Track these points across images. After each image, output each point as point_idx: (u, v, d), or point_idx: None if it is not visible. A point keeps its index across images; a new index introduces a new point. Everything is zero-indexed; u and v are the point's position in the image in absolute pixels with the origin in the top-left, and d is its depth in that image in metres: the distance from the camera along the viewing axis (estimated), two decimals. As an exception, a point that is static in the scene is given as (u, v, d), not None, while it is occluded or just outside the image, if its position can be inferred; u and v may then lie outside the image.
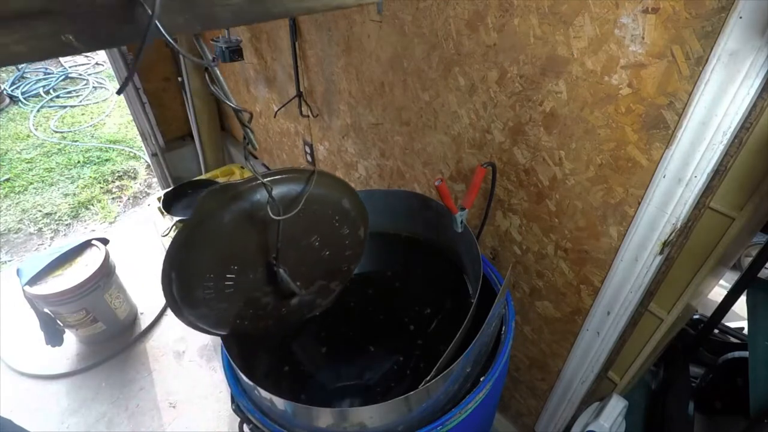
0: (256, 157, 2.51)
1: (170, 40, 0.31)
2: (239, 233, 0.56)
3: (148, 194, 2.97)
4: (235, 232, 0.56)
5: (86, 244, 1.78)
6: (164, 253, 0.55)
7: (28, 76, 4.81)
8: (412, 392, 0.55)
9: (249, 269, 0.61)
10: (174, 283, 0.57)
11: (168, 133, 2.74)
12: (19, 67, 4.95)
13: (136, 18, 0.28)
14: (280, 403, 0.59)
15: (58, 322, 1.68)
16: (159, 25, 0.28)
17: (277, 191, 0.52)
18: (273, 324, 0.66)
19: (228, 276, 0.60)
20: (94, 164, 3.29)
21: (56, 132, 3.81)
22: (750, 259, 1.04)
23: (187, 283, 0.58)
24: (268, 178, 0.50)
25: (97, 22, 0.30)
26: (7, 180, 3.18)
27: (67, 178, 3.18)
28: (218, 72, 0.39)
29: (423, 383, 0.57)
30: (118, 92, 0.34)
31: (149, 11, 0.28)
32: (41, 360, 1.80)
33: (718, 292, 1.38)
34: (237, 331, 0.64)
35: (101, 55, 5.13)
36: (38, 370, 1.78)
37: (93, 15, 0.29)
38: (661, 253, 0.73)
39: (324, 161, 1.69)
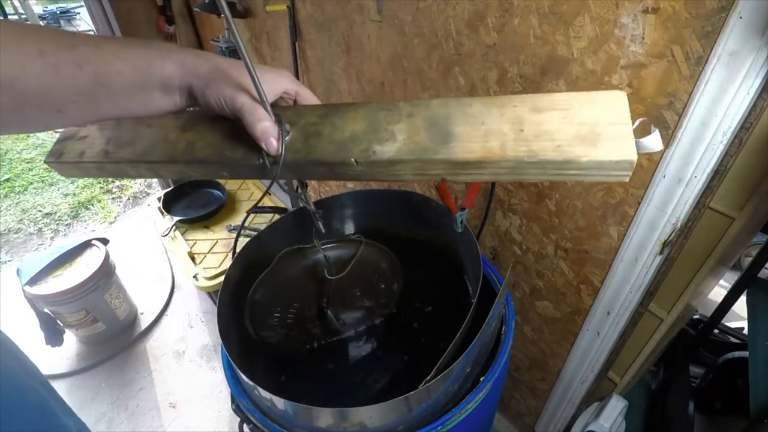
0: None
1: (282, 186, 0.56)
2: (303, 282, 0.80)
3: (148, 194, 2.98)
4: (300, 281, 0.81)
5: (86, 244, 1.78)
6: (251, 289, 0.79)
7: (28, 76, 4.82)
8: (412, 392, 0.55)
9: (306, 308, 0.83)
10: (253, 310, 0.79)
11: (168, 133, 2.74)
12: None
13: (265, 172, 0.48)
14: (280, 403, 0.59)
15: (58, 322, 1.69)
16: (278, 181, 0.49)
17: (332, 254, 0.73)
18: (316, 347, 0.81)
19: (291, 311, 0.82)
20: (94, 164, 3.29)
21: (57, 132, 3.80)
22: (750, 259, 1.04)
23: (261, 312, 0.80)
24: (327, 246, 0.69)
25: (242, 170, 0.50)
26: (7, 180, 3.18)
27: (67, 177, 3.18)
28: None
29: (423, 383, 0.57)
30: (252, 211, 0.67)
31: (273, 174, 0.47)
32: (41, 360, 1.80)
33: (718, 292, 1.38)
34: (286, 350, 0.80)
35: (101, 55, 5.13)
36: (38, 370, 1.78)
37: (242, 168, 0.49)
38: (661, 253, 0.73)
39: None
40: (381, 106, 0.48)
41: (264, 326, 0.79)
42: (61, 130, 0.57)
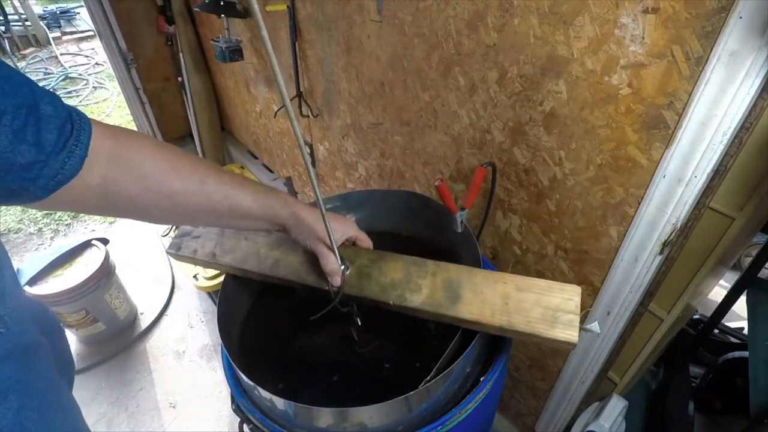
0: (256, 158, 2.51)
1: (338, 306, 0.65)
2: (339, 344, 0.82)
3: (148, 194, 2.97)
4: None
5: (86, 244, 1.78)
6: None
7: (28, 76, 4.81)
8: (412, 392, 0.56)
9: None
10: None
11: (168, 133, 2.74)
12: (19, 66, 4.96)
13: (329, 296, 0.64)
14: (280, 403, 0.59)
15: (58, 322, 1.68)
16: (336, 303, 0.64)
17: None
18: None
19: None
20: (94, 164, 3.28)
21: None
22: (750, 259, 1.04)
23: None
24: (357, 316, 0.72)
25: (311, 291, 0.66)
26: (7, 180, 3.17)
27: (67, 178, 3.17)
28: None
29: (423, 383, 0.57)
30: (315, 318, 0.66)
31: (334, 299, 0.64)
32: (41, 360, 1.79)
33: (718, 292, 1.38)
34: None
35: (101, 55, 5.13)
36: (38, 370, 1.77)
37: (312, 290, 0.66)
38: (661, 253, 0.73)
39: (324, 161, 1.70)
40: (414, 261, 0.66)
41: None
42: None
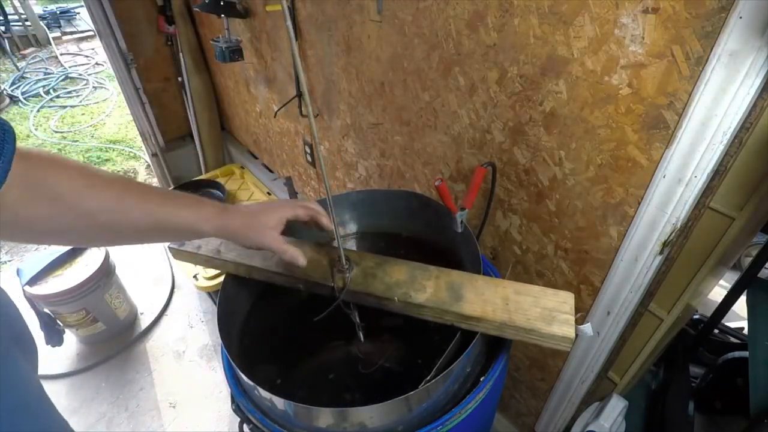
0: (256, 158, 2.51)
1: (344, 308, 0.67)
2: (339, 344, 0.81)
3: (148, 194, 2.97)
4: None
5: (86, 244, 1.78)
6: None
7: (28, 76, 4.82)
8: (412, 392, 0.56)
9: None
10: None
11: (168, 133, 2.74)
12: (19, 66, 4.96)
13: (334, 294, 0.65)
14: (280, 403, 0.59)
15: (58, 322, 1.68)
16: (341, 303, 0.65)
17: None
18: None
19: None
20: (95, 164, 3.29)
21: (56, 132, 3.81)
22: (750, 259, 1.04)
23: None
24: (360, 329, 0.72)
25: (316, 288, 0.68)
26: (7, 180, 3.17)
27: (67, 178, 3.17)
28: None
29: (423, 383, 0.57)
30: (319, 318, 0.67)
31: (339, 296, 0.65)
32: (41, 360, 1.79)
33: (718, 292, 1.38)
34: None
35: (101, 55, 5.13)
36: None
37: (317, 287, 0.68)
38: (661, 253, 0.73)
39: (324, 161, 1.69)
40: (418, 266, 0.68)
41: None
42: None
